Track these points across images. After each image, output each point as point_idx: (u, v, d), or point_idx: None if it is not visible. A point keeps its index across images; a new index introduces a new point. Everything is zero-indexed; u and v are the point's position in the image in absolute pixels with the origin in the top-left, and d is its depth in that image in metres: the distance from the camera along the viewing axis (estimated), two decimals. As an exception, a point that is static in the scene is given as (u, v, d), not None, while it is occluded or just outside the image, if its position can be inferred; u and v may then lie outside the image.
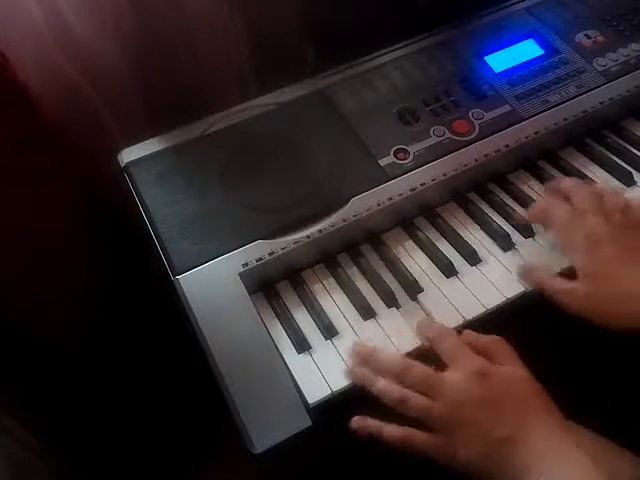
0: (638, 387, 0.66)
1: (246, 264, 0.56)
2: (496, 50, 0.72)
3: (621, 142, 0.68)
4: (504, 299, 0.55)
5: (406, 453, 0.46)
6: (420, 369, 0.47)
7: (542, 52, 0.71)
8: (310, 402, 0.50)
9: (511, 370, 0.47)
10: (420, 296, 0.57)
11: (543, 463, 0.42)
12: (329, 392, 0.50)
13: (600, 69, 0.70)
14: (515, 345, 0.50)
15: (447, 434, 0.45)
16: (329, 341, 0.54)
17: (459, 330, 0.51)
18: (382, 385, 0.47)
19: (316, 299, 0.57)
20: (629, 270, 0.50)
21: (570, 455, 0.43)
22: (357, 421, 0.48)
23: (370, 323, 0.55)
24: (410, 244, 0.61)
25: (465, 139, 0.64)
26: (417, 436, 0.46)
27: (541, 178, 0.66)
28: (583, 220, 0.53)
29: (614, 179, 0.65)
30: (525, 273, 0.56)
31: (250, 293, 0.55)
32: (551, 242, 0.59)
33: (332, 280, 0.59)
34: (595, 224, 0.52)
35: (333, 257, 0.61)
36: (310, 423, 0.49)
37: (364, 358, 0.50)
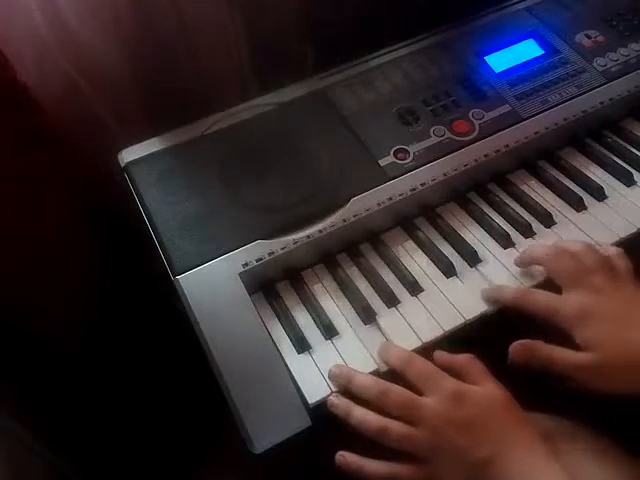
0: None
1: (246, 264, 0.56)
2: (496, 50, 0.72)
3: (621, 142, 0.68)
4: (504, 299, 0.55)
5: None
6: (397, 392, 0.47)
7: (542, 52, 0.71)
8: (310, 402, 0.50)
9: (484, 390, 0.47)
10: (420, 296, 0.57)
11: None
12: (329, 392, 0.50)
13: (600, 69, 0.70)
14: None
15: (430, 463, 0.45)
16: (329, 341, 0.54)
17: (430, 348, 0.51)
18: (360, 415, 0.47)
19: (316, 299, 0.57)
20: (629, 332, 0.48)
21: (547, 469, 0.43)
22: (339, 459, 0.47)
23: (370, 323, 0.55)
24: (410, 244, 0.61)
25: (465, 139, 0.64)
26: (401, 470, 0.45)
27: (541, 178, 0.66)
28: (571, 295, 0.51)
29: (614, 179, 0.65)
30: (526, 349, 0.50)
31: (250, 293, 0.55)
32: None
33: (332, 280, 0.59)
34: (582, 296, 0.50)
35: (333, 257, 0.61)
36: (310, 423, 0.49)
37: (341, 383, 0.50)
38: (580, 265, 0.52)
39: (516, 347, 0.50)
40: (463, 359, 0.49)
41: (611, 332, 0.49)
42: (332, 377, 0.51)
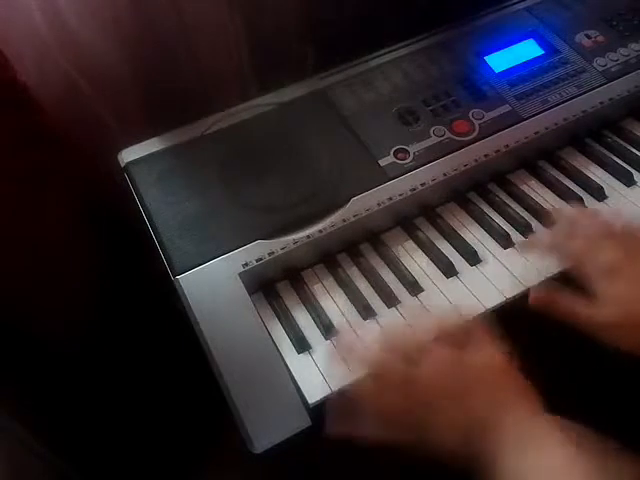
0: (636, 388, 0.66)
1: (246, 264, 0.56)
2: (496, 50, 0.72)
3: (621, 142, 0.68)
4: (504, 299, 0.55)
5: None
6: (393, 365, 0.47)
7: (542, 52, 0.71)
8: (310, 402, 0.50)
9: (484, 356, 0.46)
10: (420, 296, 0.57)
11: (513, 448, 0.42)
12: (329, 392, 0.50)
13: (600, 69, 0.70)
14: (514, 344, 0.50)
15: (425, 427, 0.44)
16: (329, 341, 0.54)
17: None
18: (362, 351, 0.47)
19: (316, 299, 0.57)
20: None
21: (546, 439, 0.42)
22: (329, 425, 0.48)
23: (370, 323, 0.55)
24: (410, 244, 0.61)
25: (465, 139, 0.64)
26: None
27: (541, 178, 0.66)
28: (595, 249, 0.51)
29: (614, 179, 0.65)
30: (547, 296, 0.51)
31: (250, 293, 0.55)
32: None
33: (332, 280, 0.59)
34: (608, 250, 0.50)
35: (333, 257, 0.61)
36: (310, 423, 0.49)
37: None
38: (611, 229, 0.52)
39: (538, 293, 0.51)
40: (470, 325, 0.49)
41: (635, 292, 0.49)
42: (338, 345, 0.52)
